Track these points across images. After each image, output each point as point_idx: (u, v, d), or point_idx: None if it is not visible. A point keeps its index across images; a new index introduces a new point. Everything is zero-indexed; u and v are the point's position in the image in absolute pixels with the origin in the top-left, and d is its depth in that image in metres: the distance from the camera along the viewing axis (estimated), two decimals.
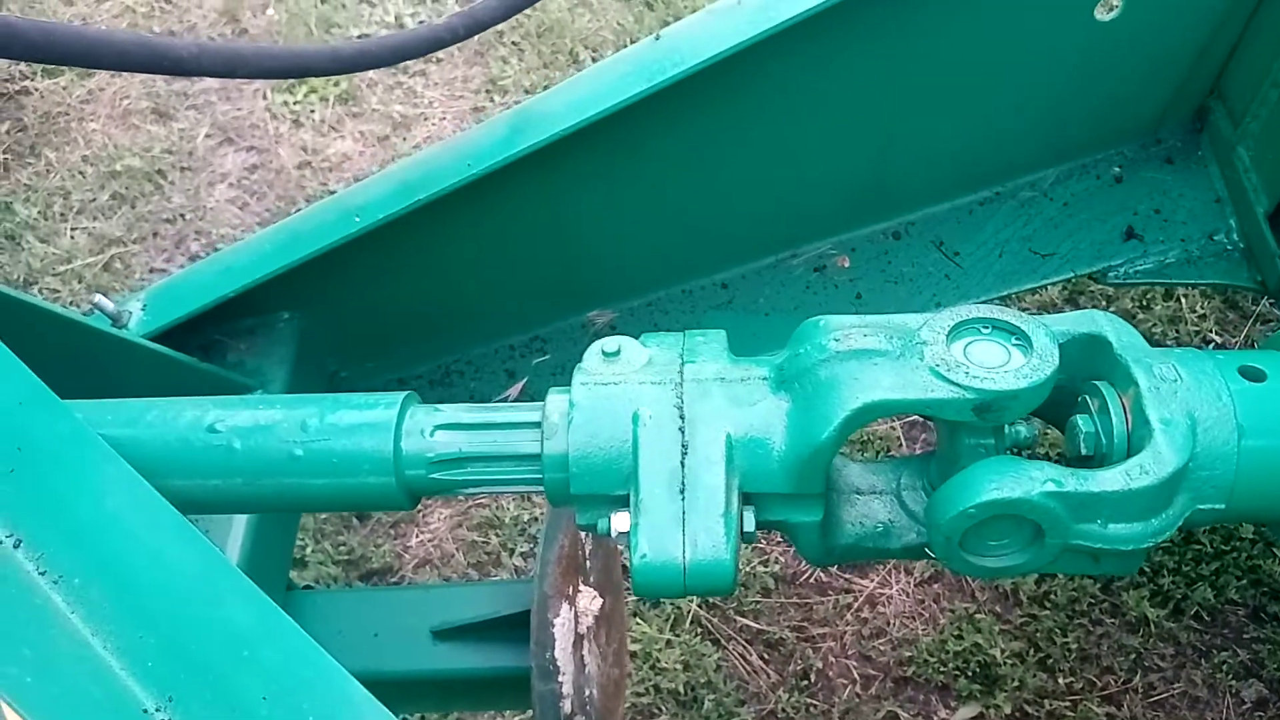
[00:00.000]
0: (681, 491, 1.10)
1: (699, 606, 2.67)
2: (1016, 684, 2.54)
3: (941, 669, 2.57)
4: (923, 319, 1.16)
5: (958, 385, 1.08)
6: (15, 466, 1.02)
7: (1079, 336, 1.21)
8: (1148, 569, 2.67)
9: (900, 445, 2.92)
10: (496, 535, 2.82)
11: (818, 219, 2.00)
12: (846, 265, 2.02)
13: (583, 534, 1.56)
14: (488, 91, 3.78)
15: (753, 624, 2.66)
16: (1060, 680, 2.55)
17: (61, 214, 3.46)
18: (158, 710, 0.86)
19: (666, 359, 1.21)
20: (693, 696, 2.55)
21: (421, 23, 3.93)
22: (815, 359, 1.14)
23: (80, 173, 3.55)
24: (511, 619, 1.60)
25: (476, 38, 3.73)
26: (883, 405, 1.09)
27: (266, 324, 1.80)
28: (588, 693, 1.54)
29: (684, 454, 1.12)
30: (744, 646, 2.64)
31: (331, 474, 1.17)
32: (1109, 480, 1.10)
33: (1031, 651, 2.59)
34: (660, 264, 1.99)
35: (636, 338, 1.25)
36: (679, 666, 2.56)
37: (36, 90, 3.78)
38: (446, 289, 1.93)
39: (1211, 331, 3.05)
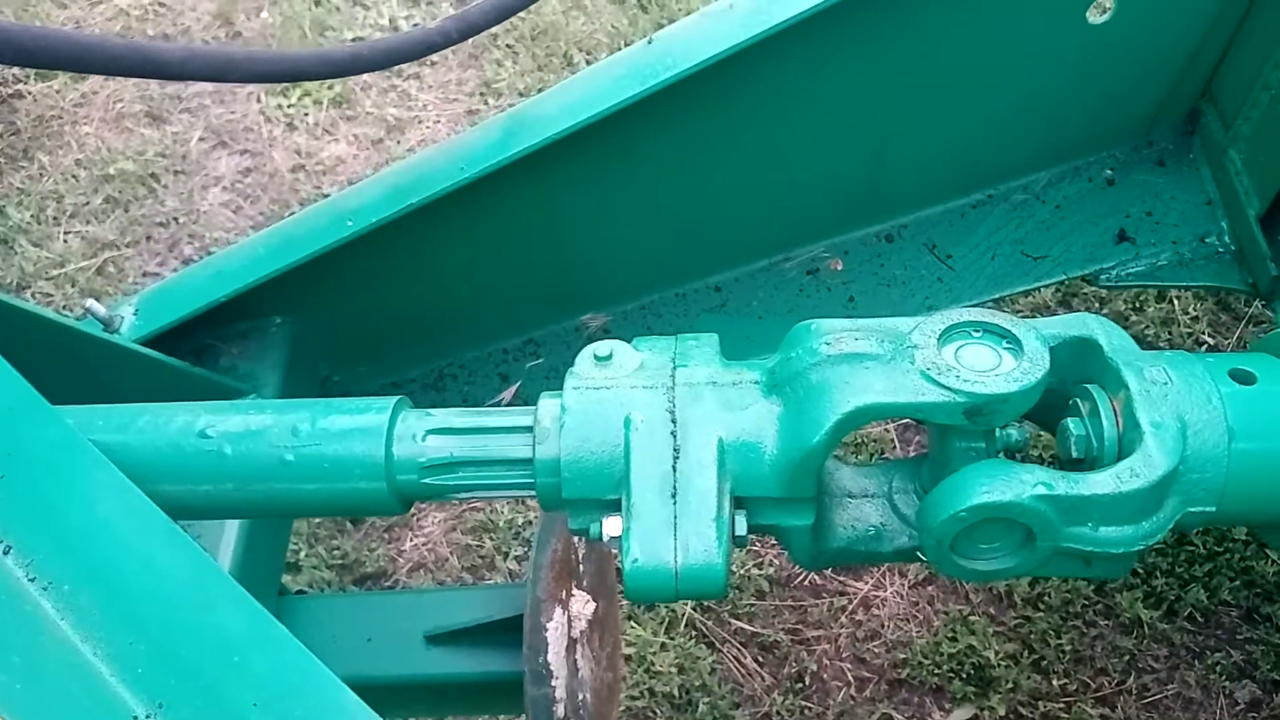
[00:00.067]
0: (673, 496, 1.10)
1: (694, 610, 2.67)
2: (1011, 686, 2.54)
3: (936, 671, 2.57)
4: (914, 322, 1.16)
5: (948, 389, 1.08)
6: (4, 473, 1.01)
7: (1070, 340, 1.21)
8: (1141, 571, 2.68)
9: (894, 447, 2.92)
10: (491, 539, 2.82)
11: (811, 222, 2.01)
12: (840, 268, 2.02)
13: (576, 538, 1.56)
14: (482, 94, 3.78)
15: (747, 627, 2.66)
16: (1054, 682, 2.55)
17: (54, 218, 3.46)
18: (148, 717, 0.86)
19: (658, 363, 1.20)
20: (687, 700, 2.55)
21: (415, 25, 3.93)
22: (806, 363, 1.14)
23: (73, 176, 3.55)
24: (505, 623, 1.60)
25: (470, 41, 3.74)
26: (874, 409, 1.09)
27: (259, 328, 1.79)
28: (581, 697, 1.54)
29: (676, 458, 1.12)
30: (739, 649, 2.64)
31: (323, 479, 1.16)
32: (1099, 483, 1.10)
33: (1026, 653, 2.59)
34: (653, 267, 1.99)
35: (629, 341, 1.24)
36: (674, 670, 2.56)
37: (29, 94, 3.77)
38: (439, 293, 1.92)
39: (1204, 333, 3.06)
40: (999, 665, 2.56)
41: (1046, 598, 2.65)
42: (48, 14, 4.00)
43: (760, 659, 2.63)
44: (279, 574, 1.82)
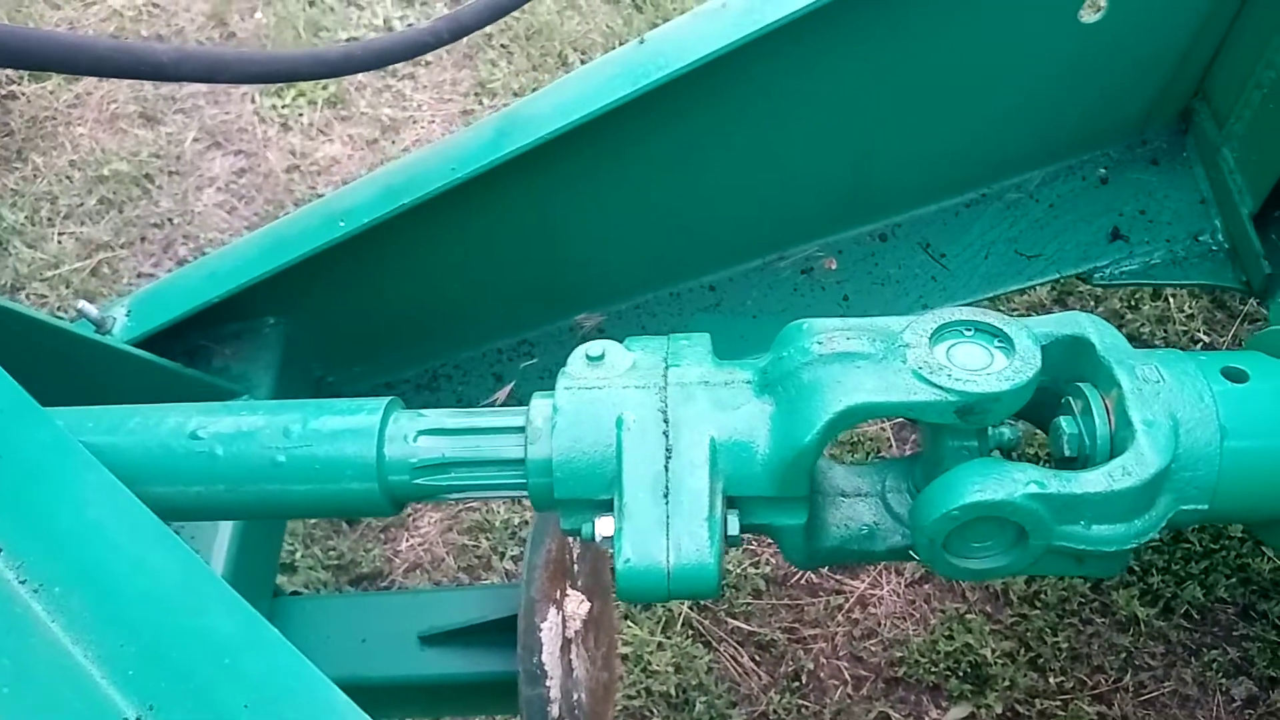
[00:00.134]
0: (665, 496, 1.10)
1: (690, 609, 2.67)
2: (1007, 684, 2.54)
3: (933, 669, 2.57)
4: (906, 321, 1.16)
5: (940, 388, 1.08)
6: None
7: (1062, 338, 1.21)
8: (1137, 568, 2.68)
9: (890, 446, 2.92)
10: (487, 539, 2.82)
11: (805, 221, 2.01)
12: (834, 267, 2.02)
13: (570, 538, 1.56)
14: (476, 94, 3.78)
15: (744, 626, 2.66)
16: (1051, 679, 2.56)
17: (49, 219, 3.45)
18: (138, 719, 0.86)
19: (650, 363, 1.21)
20: (684, 699, 2.55)
21: (410, 26, 3.92)
22: (798, 362, 1.14)
23: (67, 177, 3.54)
24: (499, 623, 1.59)
25: (465, 41, 3.73)
26: (865, 408, 1.09)
27: (252, 329, 1.79)
28: (576, 697, 1.54)
29: (668, 458, 1.12)
30: (735, 648, 2.64)
31: (314, 480, 1.16)
32: (1091, 482, 1.10)
33: (1022, 651, 2.59)
34: (647, 267, 1.99)
35: (622, 341, 1.24)
36: (670, 669, 2.56)
37: (23, 95, 3.77)
38: (433, 293, 1.92)
39: (1199, 331, 3.06)
40: (996, 663, 2.56)
41: (1043, 596, 2.65)
42: (41, 15, 4.00)
43: (757, 658, 2.63)
44: (273, 575, 1.82)
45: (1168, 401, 1.16)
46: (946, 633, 2.61)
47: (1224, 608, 2.66)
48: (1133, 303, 3.09)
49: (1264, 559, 2.68)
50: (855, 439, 2.91)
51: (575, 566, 1.62)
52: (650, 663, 2.57)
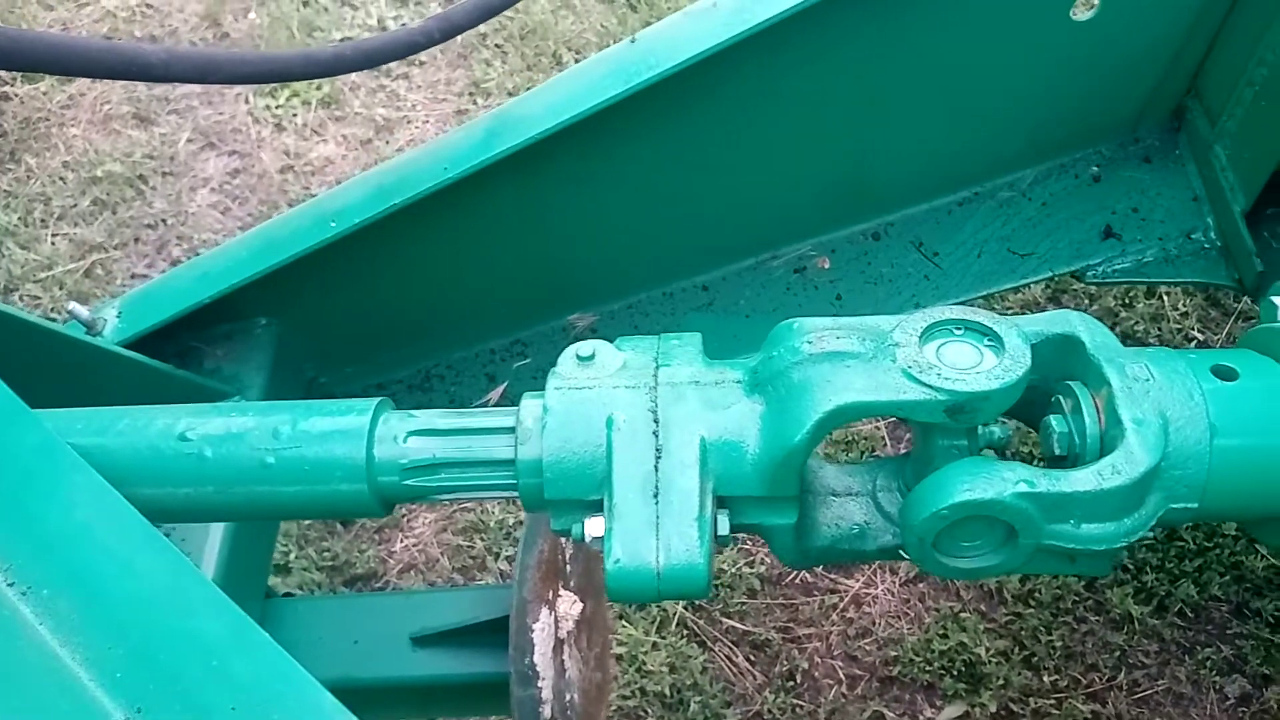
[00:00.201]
0: (655, 496, 1.10)
1: (685, 609, 2.67)
2: (1001, 682, 2.54)
3: (927, 668, 2.58)
4: (896, 321, 1.16)
5: (929, 387, 1.08)
6: None
7: (1052, 337, 1.21)
8: (1131, 566, 2.68)
9: (884, 445, 2.92)
10: (481, 539, 2.82)
11: (797, 220, 2.01)
12: (827, 266, 2.02)
13: (563, 538, 1.56)
14: (470, 94, 3.77)
15: (739, 625, 2.66)
16: (1045, 678, 2.56)
17: (42, 220, 3.45)
18: None
19: (641, 363, 1.20)
20: (679, 699, 2.55)
21: (403, 25, 3.92)
22: (788, 361, 1.14)
23: (61, 178, 3.54)
24: (491, 624, 1.59)
25: (459, 40, 3.73)
26: (855, 408, 1.09)
27: (243, 330, 1.79)
28: (568, 698, 1.53)
29: (658, 458, 1.12)
30: (730, 648, 2.64)
31: (303, 481, 1.16)
32: (1081, 480, 1.10)
33: (1016, 649, 2.59)
34: (640, 266, 1.99)
35: (613, 341, 1.24)
36: (665, 669, 2.56)
37: (16, 96, 3.76)
38: (425, 293, 1.92)
39: (1194, 329, 3.06)
40: (990, 662, 2.56)
41: (1037, 594, 2.65)
42: (34, 16, 3.99)
43: (752, 657, 2.63)
44: (265, 576, 1.82)
45: (1157, 400, 1.16)
46: (941, 631, 2.61)
47: (1218, 605, 2.66)
48: (1127, 301, 3.09)
49: (1258, 557, 2.68)
50: (850, 438, 2.91)
51: (568, 567, 1.62)
52: (645, 662, 2.57)
